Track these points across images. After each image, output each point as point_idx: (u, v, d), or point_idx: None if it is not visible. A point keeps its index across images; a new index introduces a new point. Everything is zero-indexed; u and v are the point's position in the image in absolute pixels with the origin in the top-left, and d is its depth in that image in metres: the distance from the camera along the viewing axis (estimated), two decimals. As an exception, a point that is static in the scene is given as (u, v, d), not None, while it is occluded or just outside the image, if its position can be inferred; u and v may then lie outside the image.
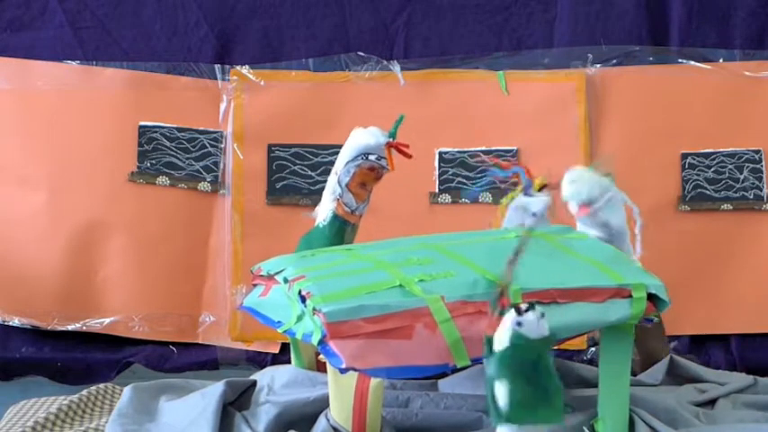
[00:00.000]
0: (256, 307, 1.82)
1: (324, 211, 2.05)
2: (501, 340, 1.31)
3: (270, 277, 1.80)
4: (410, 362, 1.54)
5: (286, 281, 1.71)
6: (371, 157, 2.02)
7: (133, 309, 2.63)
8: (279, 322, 1.70)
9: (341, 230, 2.02)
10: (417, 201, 2.62)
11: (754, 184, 2.62)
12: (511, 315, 1.31)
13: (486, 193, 2.62)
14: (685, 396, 2.00)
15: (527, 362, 1.30)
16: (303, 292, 1.61)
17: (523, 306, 1.32)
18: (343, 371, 1.51)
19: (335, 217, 2.03)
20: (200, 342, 2.66)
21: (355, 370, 1.51)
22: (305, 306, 1.61)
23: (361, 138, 2.04)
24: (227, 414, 1.85)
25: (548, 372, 1.32)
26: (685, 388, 2.06)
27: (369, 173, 2.04)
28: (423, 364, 1.54)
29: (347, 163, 2.02)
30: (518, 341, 1.30)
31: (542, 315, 1.32)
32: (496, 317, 1.34)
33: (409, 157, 2.06)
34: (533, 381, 1.30)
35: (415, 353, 1.54)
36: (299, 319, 1.63)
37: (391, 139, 2.04)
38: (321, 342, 1.54)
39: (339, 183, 2.03)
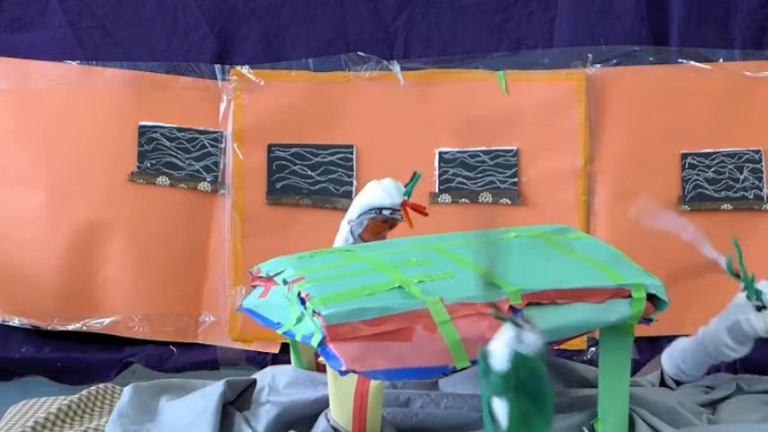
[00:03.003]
0: (256, 308, 1.82)
1: None
2: (500, 360, 1.28)
3: (269, 278, 1.80)
4: (410, 364, 1.53)
5: (285, 282, 1.71)
6: (385, 212, 2.01)
7: (133, 309, 2.63)
8: (278, 324, 1.70)
9: None
10: (417, 201, 2.61)
11: (754, 184, 2.62)
12: (509, 332, 1.28)
13: (487, 194, 2.63)
14: (689, 396, 2.00)
15: (527, 378, 1.28)
16: (302, 294, 1.61)
17: (520, 321, 1.29)
18: (343, 373, 1.51)
19: None
20: (200, 342, 2.66)
21: (355, 372, 1.51)
22: (304, 308, 1.60)
23: (376, 195, 2.02)
24: (227, 414, 1.84)
25: (544, 382, 1.30)
26: (690, 388, 2.06)
27: (383, 224, 2.03)
28: (422, 366, 1.54)
29: (360, 215, 2.02)
30: (519, 360, 1.27)
31: (537, 328, 1.29)
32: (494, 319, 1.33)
33: (425, 215, 2.04)
34: (531, 395, 1.29)
35: (415, 355, 1.54)
36: (299, 320, 1.63)
37: (407, 198, 2.03)
38: (321, 344, 1.54)
39: (352, 233, 2.02)
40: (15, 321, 2.63)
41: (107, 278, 2.63)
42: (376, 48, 2.65)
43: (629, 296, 1.70)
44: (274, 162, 2.65)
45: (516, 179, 2.62)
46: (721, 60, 2.62)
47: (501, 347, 1.28)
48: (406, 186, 2.05)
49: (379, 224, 2.02)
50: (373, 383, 1.65)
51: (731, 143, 2.62)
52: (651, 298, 1.72)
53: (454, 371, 1.58)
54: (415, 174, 2.07)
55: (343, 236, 2.04)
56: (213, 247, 2.66)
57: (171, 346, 2.64)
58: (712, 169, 2.62)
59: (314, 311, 1.56)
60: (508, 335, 1.28)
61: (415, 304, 1.57)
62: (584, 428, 1.76)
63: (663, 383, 2.12)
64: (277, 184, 2.65)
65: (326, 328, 1.52)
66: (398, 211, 2.01)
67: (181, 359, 2.63)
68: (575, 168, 2.61)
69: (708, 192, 2.62)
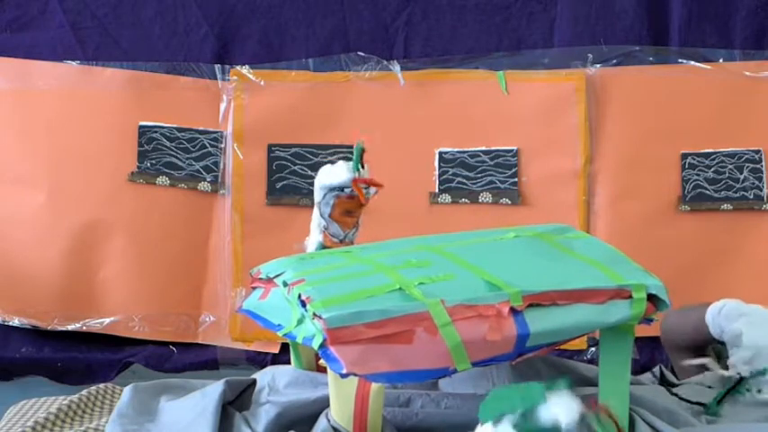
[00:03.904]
0: (256, 310, 1.82)
1: (312, 244, 2.04)
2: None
3: (269, 280, 1.80)
4: (411, 366, 1.53)
5: (285, 284, 1.71)
6: (346, 190, 2.00)
7: (133, 309, 2.63)
8: (279, 325, 1.70)
9: None
10: (417, 201, 2.62)
11: (754, 184, 2.62)
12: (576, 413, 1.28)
13: (487, 194, 2.63)
14: (689, 394, 2.00)
15: None
16: (303, 297, 1.61)
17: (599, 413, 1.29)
18: (343, 376, 1.51)
19: (323, 249, 2.01)
20: (200, 342, 2.66)
21: (356, 375, 1.51)
22: (305, 310, 1.60)
23: (328, 178, 2.01)
24: (227, 414, 1.84)
25: None
26: (689, 387, 2.06)
27: (349, 201, 2.01)
28: (423, 368, 1.54)
29: (324, 196, 2.01)
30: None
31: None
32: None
33: (380, 186, 2.03)
34: None
35: (416, 357, 1.53)
36: (300, 322, 1.63)
37: (357, 174, 2.01)
38: (322, 346, 1.54)
39: (321, 215, 2.01)
40: (15, 321, 2.63)
41: (107, 278, 2.63)
42: (376, 48, 2.65)
43: (630, 297, 1.69)
44: (274, 162, 2.65)
45: (516, 179, 2.62)
46: (721, 60, 2.62)
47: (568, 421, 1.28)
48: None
49: (345, 201, 2.01)
50: (374, 386, 1.65)
51: (731, 143, 2.63)
52: (651, 298, 1.72)
53: (455, 373, 1.58)
54: (357, 146, 2.04)
55: (315, 219, 2.03)
56: (213, 247, 2.66)
57: (171, 346, 2.64)
58: (712, 169, 2.62)
59: (314, 314, 1.56)
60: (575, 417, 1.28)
61: (416, 306, 1.57)
62: (584, 428, 1.75)
63: (663, 382, 2.12)
64: (277, 184, 2.65)
65: (327, 331, 1.52)
66: (363, 188, 2.00)
67: (181, 359, 2.63)
68: (575, 168, 2.61)
69: (708, 192, 2.62)
